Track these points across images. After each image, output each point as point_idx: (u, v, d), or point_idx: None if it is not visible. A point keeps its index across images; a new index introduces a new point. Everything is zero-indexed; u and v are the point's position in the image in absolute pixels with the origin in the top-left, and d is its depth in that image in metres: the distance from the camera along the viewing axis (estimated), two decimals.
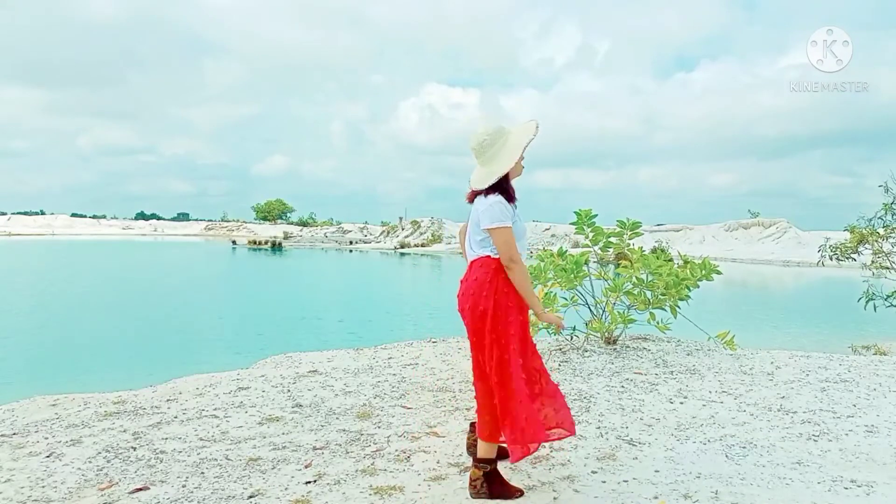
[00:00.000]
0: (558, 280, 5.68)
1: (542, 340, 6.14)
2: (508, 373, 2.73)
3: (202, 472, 2.97)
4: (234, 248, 58.64)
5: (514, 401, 2.72)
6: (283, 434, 3.52)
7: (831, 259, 11.48)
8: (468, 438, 3.20)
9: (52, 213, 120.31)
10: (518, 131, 2.91)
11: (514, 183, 2.91)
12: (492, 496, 2.74)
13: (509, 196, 2.85)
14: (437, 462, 3.11)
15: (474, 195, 2.94)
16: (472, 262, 2.93)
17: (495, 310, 2.77)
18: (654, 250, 6.84)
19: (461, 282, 2.95)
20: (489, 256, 2.84)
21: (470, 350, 2.91)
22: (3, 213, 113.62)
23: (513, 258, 2.77)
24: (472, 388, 3.22)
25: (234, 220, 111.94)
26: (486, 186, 2.83)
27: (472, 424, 3.18)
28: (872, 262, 10.92)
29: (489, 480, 2.77)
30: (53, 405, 4.14)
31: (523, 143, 2.84)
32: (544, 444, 3.05)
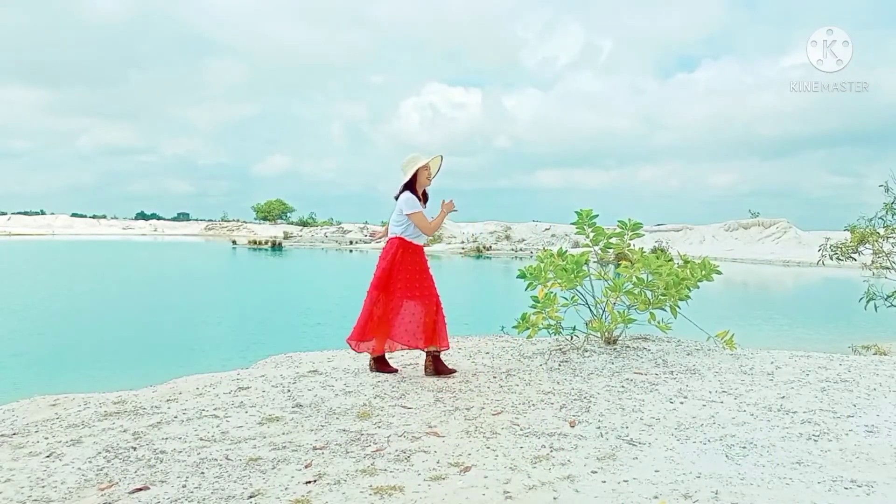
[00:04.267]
0: (558, 280, 5.68)
1: (542, 340, 6.14)
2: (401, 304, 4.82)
3: (202, 472, 2.97)
4: (234, 248, 58.64)
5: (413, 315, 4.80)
6: (283, 434, 3.52)
7: (831, 259, 11.48)
8: (370, 362, 5.03)
9: (53, 213, 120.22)
10: (424, 158, 4.91)
11: (428, 191, 5.10)
12: (437, 374, 4.86)
13: (420, 196, 4.96)
14: (437, 462, 3.11)
15: (397, 196, 4.95)
16: (389, 239, 4.96)
17: (393, 269, 4.82)
18: (653, 250, 6.84)
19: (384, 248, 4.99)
20: (397, 237, 4.87)
21: (380, 293, 4.84)
22: (3, 213, 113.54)
23: (426, 227, 4.86)
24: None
25: (234, 220, 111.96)
26: (398, 190, 4.93)
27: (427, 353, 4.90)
28: (873, 262, 10.92)
29: (435, 362, 4.89)
30: (53, 405, 4.14)
31: (420, 164, 4.87)
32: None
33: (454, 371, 4.95)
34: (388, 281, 4.82)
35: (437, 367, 4.88)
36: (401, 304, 4.80)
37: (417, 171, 4.89)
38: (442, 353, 4.95)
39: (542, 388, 4.50)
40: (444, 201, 4.96)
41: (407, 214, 4.81)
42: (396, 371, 5.00)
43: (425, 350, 4.87)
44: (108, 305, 18.08)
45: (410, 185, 4.90)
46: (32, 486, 2.83)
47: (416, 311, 4.80)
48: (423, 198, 5.03)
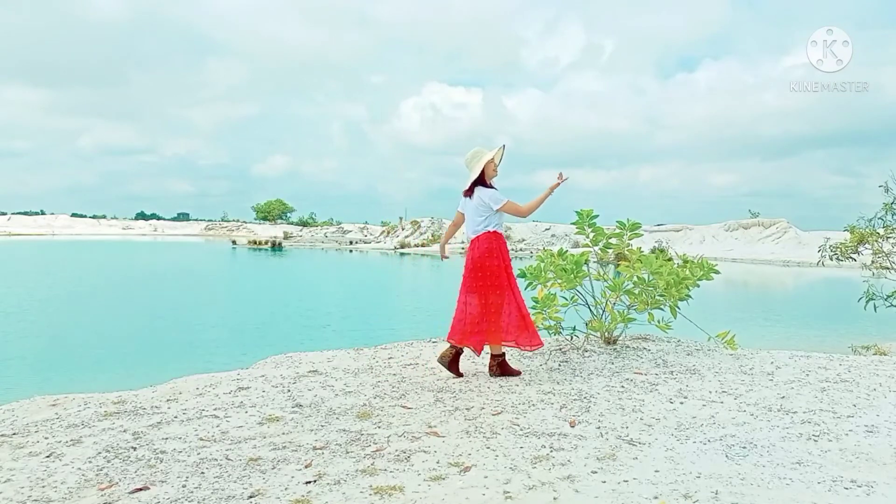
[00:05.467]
0: (558, 280, 5.68)
1: (542, 340, 6.13)
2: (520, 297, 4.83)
3: (202, 472, 2.97)
4: (234, 248, 58.66)
5: (524, 310, 4.81)
6: (283, 434, 3.52)
7: (831, 259, 11.48)
8: (448, 353, 4.81)
9: (53, 213, 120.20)
10: (490, 152, 4.82)
11: (494, 182, 4.92)
12: (503, 374, 4.82)
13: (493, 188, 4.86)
14: (437, 462, 3.11)
15: (467, 192, 4.90)
16: (477, 237, 4.78)
17: (503, 264, 4.74)
18: (653, 250, 6.84)
19: (470, 250, 4.81)
20: (489, 231, 4.75)
21: (479, 295, 4.71)
22: (3, 213, 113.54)
23: (522, 211, 4.82)
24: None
25: (234, 220, 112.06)
26: (469, 185, 4.84)
27: (451, 346, 4.82)
28: (872, 262, 10.92)
29: (502, 365, 4.84)
30: (53, 405, 4.14)
31: (487, 158, 4.78)
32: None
33: (462, 374, 4.90)
34: (507, 276, 4.75)
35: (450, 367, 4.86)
36: (514, 300, 4.77)
37: (485, 165, 4.80)
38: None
39: (542, 388, 4.51)
40: (559, 177, 4.79)
41: (498, 210, 4.73)
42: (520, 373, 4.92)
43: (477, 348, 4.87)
44: (108, 306, 18.07)
45: (481, 180, 4.81)
46: (32, 486, 2.83)
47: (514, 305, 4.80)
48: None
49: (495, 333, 4.75)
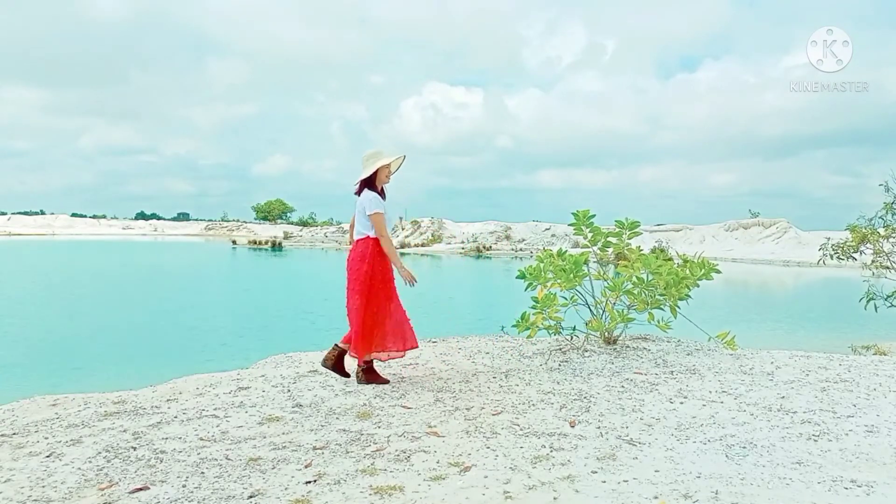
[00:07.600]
0: (558, 280, 5.68)
1: (542, 340, 6.14)
2: (388, 308, 4.64)
3: (202, 472, 2.97)
4: (234, 248, 58.67)
5: (392, 320, 4.65)
6: (283, 434, 3.52)
7: (832, 259, 11.46)
8: (331, 353, 4.75)
9: (53, 213, 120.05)
10: (387, 157, 4.71)
11: (386, 188, 4.82)
12: (368, 382, 4.60)
13: (380, 193, 4.70)
14: (437, 462, 3.11)
15: (357, 192, 4.73)
16: (357, 241, 4.68)
17: (372, 270, 4.56)
18: (653, 250, 6.84)
19: (350, 252, 4.73)
20: (368, 237, 4.61)
21: (355, 296, 4.57)
22: (3, 213, 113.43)
23: (383, 234, 4.61)
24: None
25: (234, 220, 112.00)
26: (356, 185, 4.73)
27: (335, 345, 4.75)
28: (873, 261, 10.91)
29: (367, 372, 4.65)
30: (53, 405, 4.14)
31: (383, 162, 4.67)
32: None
33: (387, 381, 4.70)
34: (371, 284, 4.56)
35: (368, 376, 4.67)
36: (387, 309, 4.64)
37: (378, 168, 4.66)
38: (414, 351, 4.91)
39: (542, 388, 4.51)
40: (411, 276, 4.61)
41: (368, 214, 4.59)
42: (388, 381, 4.69)
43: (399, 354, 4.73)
44: (108, 305, 18.07)
45: (370, 182, 4.68)
46: (32, 486, 2.83)
47: (398, 314, 4.67)
48: (381, 195, 4.76)
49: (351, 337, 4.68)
